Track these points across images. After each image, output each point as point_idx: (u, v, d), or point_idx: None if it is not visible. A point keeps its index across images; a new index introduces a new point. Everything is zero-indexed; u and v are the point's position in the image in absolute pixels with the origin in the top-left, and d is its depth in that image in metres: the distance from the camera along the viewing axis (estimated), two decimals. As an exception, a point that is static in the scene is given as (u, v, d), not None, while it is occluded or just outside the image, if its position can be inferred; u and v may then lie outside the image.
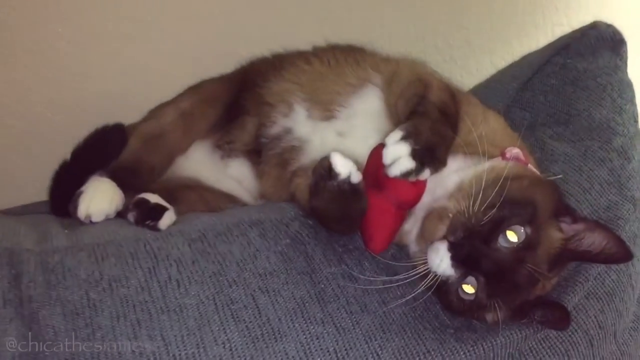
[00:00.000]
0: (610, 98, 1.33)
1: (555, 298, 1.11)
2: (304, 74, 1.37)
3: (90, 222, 1.14)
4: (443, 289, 1.02)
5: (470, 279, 1.01)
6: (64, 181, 1.31)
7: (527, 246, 1.00)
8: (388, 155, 0.99)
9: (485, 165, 1.06)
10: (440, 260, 1.00)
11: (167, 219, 1.14)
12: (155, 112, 1.42)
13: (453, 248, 1.00)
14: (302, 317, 0.99)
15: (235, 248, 1.07)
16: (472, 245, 0.99)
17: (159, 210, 1.15)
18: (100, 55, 1.59)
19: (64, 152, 1.34)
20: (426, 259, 1.02)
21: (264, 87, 1.39)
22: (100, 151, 1.35)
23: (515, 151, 1.12)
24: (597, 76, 1.35)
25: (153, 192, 1.25)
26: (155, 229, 1.13)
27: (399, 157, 0.99)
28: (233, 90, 1.45)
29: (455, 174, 1.08)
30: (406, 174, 0.99)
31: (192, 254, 1.04)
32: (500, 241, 0.99)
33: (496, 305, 1.00)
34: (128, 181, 1.25)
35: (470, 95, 1.30)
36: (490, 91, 1.53)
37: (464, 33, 2.04)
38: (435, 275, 1.01)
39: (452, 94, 1.19)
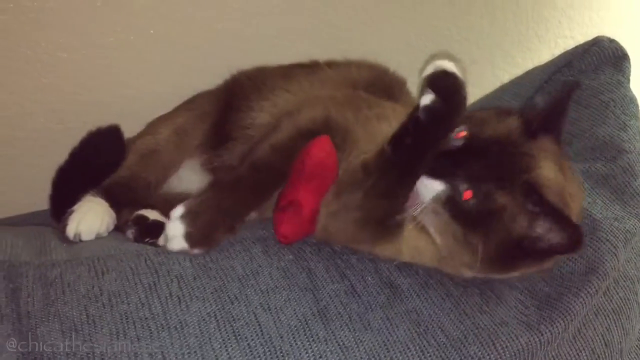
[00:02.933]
0: (613, 115, 1.32)
1: (565, 306, 1.08)
2: (278, 106, 1.34)
3: (80, 240, 1.12)
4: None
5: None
6: (63, 186, 1.30)
7: None
8: (167, 231, 1.04)
9: None
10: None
11: None
12: (152, 127, 1.41)
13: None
14: (305, 335, 0.97)
15: (238, 264, 1.06)
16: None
17: (158, 227, 1.14)
18: (102, 66, 1.58)
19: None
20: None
21: (247, 115, 1.36)
22: (99, 154, 1.36)
23: None
24: (599, 93, 1.34)
25: (153, 206, 1.24)
26: (155, 246, 1.11)
27: (174, 236, 1.03)
28: (220, 108, 1.43)
29: None
30: (181, 251, 1.04)
31: (193, 270, 1.03)
32: None
33: None
34: (124, 197, 1.25)
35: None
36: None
37: (466, 45, 2.04)
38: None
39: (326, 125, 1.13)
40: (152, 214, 1.18)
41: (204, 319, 0.96)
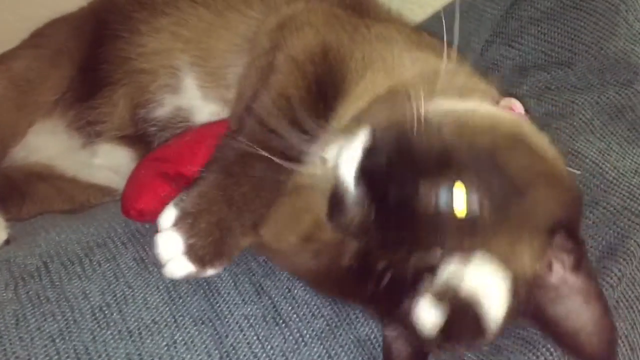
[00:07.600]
0: (625, 23, 1.03)
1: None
2: (186, 23, 0.98)
3: None
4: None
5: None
6: None
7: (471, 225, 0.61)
8: (158, 251, 0.69)
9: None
10: (347, 162, 0.62)
11: None
12: None
13: (370, 154, 0.62)
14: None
15: (95, 286, 0.69)
16: (398, 161, 0.61)
17: None
18: None
19: None
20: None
21: (131, 42, 0.99)
22: None
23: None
24: (607, -6, 1.05)
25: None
26: (-33, 258, 0.73)
27: (171, 255, 0.68)
28: (85, 39, 1.04)
29: None
30: (188, 277, 0.69)
31: (18, 306, 0.66)
32: (440, 193, 0.60)
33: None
34: None
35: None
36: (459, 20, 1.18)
37: None
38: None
39: (332, 57, 0.81)
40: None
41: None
